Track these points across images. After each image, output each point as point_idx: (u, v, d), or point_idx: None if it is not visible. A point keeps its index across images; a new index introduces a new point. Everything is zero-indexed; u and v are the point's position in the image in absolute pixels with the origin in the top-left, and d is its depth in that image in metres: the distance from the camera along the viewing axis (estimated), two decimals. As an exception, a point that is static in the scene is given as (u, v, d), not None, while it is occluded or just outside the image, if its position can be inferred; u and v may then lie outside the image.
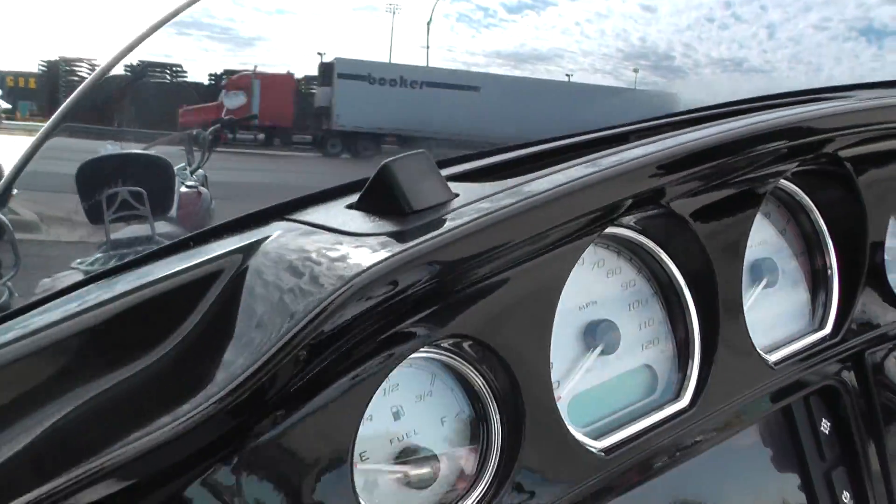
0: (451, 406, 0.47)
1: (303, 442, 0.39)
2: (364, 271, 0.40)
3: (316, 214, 0.51)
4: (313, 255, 0.44)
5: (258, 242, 0.46)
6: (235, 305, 0.42)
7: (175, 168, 1.66)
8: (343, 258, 0.42)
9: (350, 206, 0.50)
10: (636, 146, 0.54)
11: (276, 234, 0.47)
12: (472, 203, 0.46)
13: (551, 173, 0.49)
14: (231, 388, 0.36)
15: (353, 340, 0.40)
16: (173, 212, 1.73)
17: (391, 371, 0.42)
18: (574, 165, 0.51)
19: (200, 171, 2.08)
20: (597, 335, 0.52)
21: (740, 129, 0.56)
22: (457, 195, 0.48)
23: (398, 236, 0.44)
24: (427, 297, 0.42)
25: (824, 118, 0.61)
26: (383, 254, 0.42)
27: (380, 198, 0.48)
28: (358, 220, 0.47)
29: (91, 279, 0.48)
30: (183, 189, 1.88)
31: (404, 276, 0.41)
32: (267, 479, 0.38)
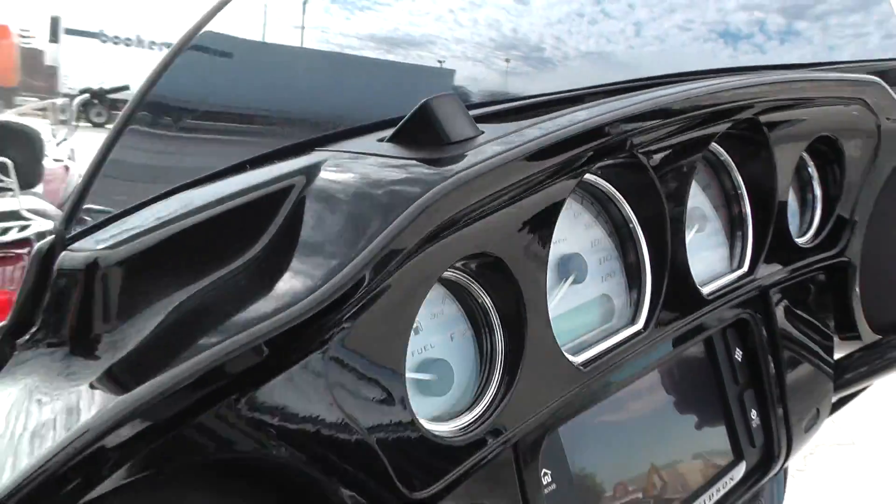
0: (458, 323, 0.51)
1: (370, 343, 0.43)
2: (436, 185, 0.43)
3: (355, 146, 0.53)
4: (376, 176, 0.47)
5: (317, 164, 0.48)
6: (307, 219, 0.45)
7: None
8: (405, 178, 0.46)
9: (382, 140, 0.52)
10: (617, 99, 0.59)
11: (330, 158, 0.49)
12: (500, 137, 0.50)
13: (557, 116, 0.54)
14: (323, 292, 0.40)
15: (412, 252, 0.43)
16: (39, 187, 1.60)
17: (434, 282, 0.46)
18: (568, 113, 0.55)
19: (67, 143, 1.93)
20: (569, 266, 0.57)
21: (686, 92, 0.63)
22: (482, 132, 0.52)
23: (445, 161, 0.48)
24: (466, 214, 0.46)
25: (753, 87, 0.69)
26: (441, 174, 0.45)
27: (417, 131, 0.52)
28: (399, 150, 0.51)
29: (169, 193, 0.48)
30: (50, 163, 1.74)
31: (460, 194, 0.45)
32: (346, 371, 0.42)
